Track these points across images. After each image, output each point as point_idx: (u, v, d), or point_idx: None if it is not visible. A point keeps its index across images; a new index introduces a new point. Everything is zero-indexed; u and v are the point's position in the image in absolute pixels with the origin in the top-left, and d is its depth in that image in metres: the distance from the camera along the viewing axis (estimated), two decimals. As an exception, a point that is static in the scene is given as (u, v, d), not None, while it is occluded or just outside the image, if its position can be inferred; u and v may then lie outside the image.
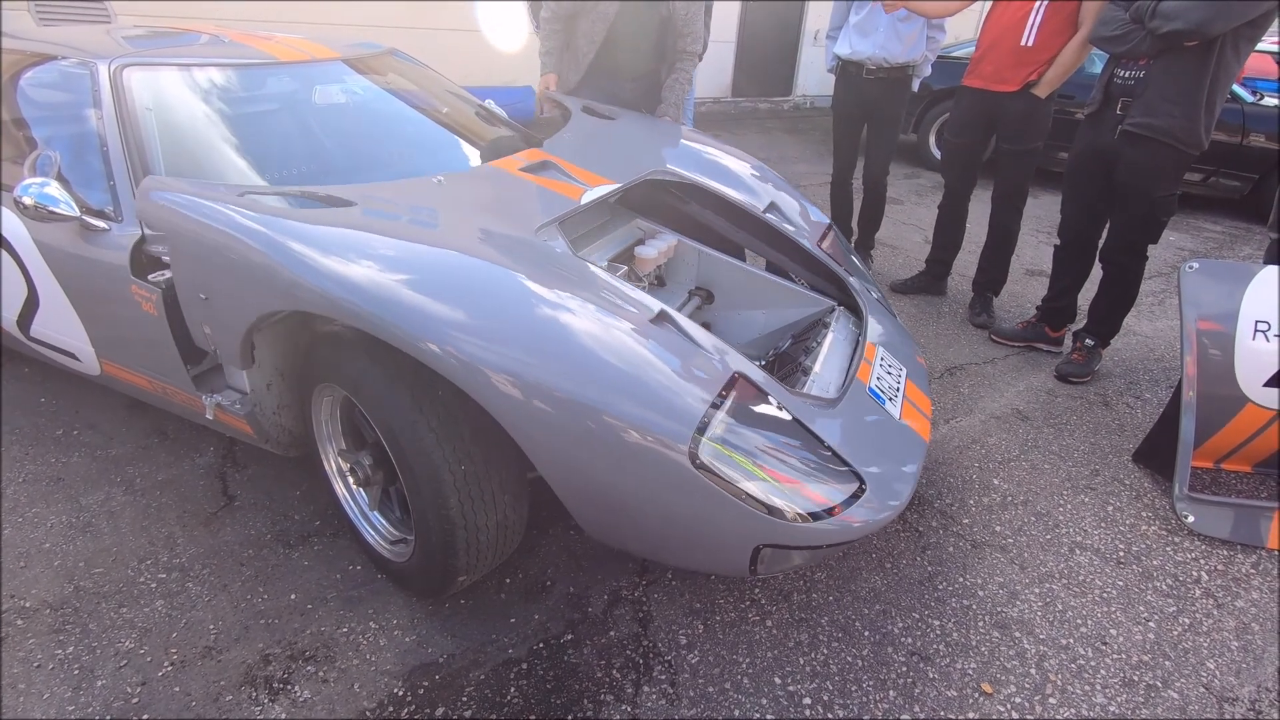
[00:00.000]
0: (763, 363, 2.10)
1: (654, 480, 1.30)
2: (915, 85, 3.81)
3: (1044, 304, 3.18)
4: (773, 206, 2.35)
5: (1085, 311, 3.05)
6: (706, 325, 2.34)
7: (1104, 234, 2.87)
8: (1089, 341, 2.99)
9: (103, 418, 2.26)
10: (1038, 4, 2.92)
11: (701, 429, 1.30)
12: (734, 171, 2.47)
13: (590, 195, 1.98)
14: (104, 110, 1.77)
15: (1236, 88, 5.62)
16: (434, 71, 2.80)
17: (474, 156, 2.34)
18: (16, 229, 1.81)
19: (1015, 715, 1.54)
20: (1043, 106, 3.07)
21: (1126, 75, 2.60)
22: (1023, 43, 2.98)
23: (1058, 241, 3.03)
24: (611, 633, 1.66)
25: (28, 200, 1.59)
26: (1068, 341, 3.15)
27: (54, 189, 1.61)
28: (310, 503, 1.98)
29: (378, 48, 2.60)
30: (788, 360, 2.02)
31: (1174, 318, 3.71)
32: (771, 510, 1.31)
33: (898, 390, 1.79)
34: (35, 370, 2.46)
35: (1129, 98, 2.58)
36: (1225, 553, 2.06)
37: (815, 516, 1.34)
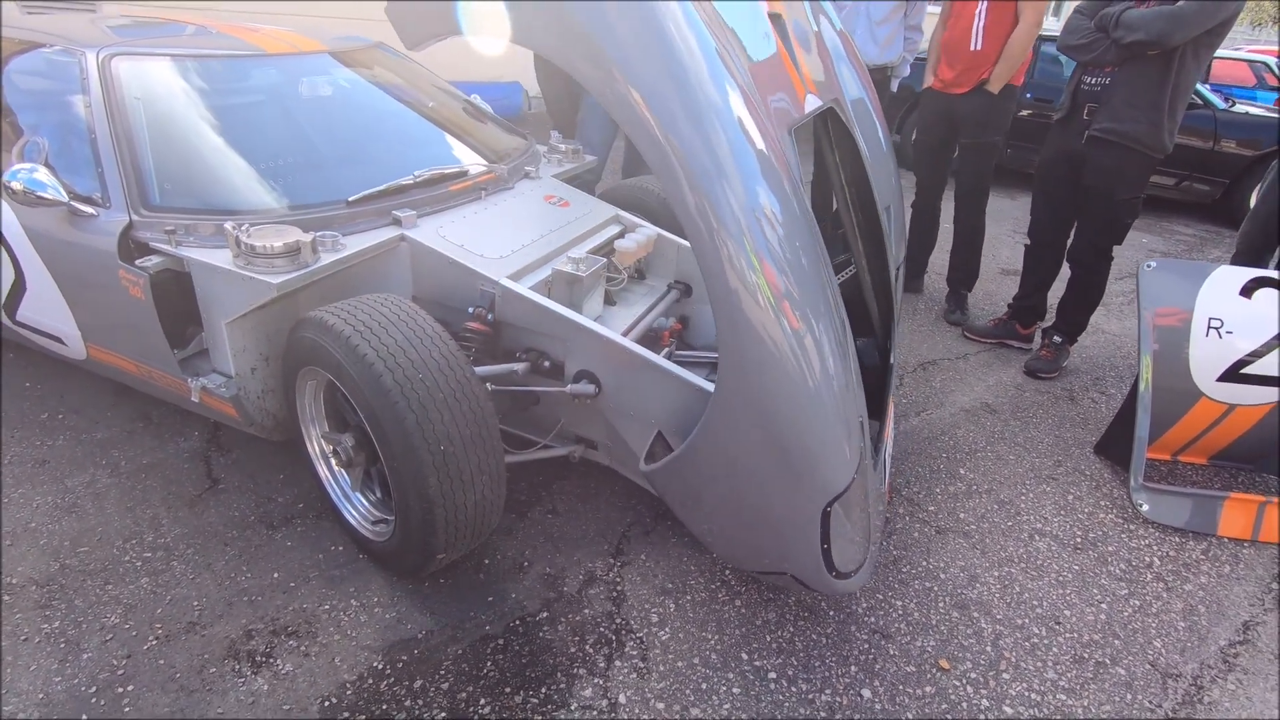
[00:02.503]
0: None
1: (783, 499, 1.40)
2: (894, 86, 3.89)
3: (1015, 302, 3.27)
4: (888, 210, 2.19)
5: (1055, 310, 3.14)
6: (685, 318, 2.41)
7: (1072, 235, 2.97)
8: (1057, 339, 3.08)
9: (87, 402, 2.29)
10: (979, 7, 3.05)
11: (846, 486, 1.37)
12: (883, 152, 2.27)
13: (809, 106, 1.74)
14: (92, 99, 1.81)
15: (1208, 94, 5.76)
16: (420, 66, 2.84)
17: (465, 155, 2.32)
18: (4, 214, 1.84)
19: (970, 689, 1.62)
20: (998, 102, 3.17)
21: (1093, 82, 2.69)
22: (972, 47, 3.11)
23: (1028, 242, 3.12)
24: (586, 611, 1.72)
25: (16, 185, 1.62)
26: (1038, 339, 3.24)
27: (42, 174, 1.65)
28: (293, 486, 2.02)
29: (365, 41, 2.63)
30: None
31: (1142, 317, 3.82)
32: (835, 571, 1.45)
33: (889, 459, 1.88)
34: (20, 355, 2.48)
35: (1095, 104, 2.68)
36: (1177, 539, 2.15)
37: (840, 575, 1.47)
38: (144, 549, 1.77)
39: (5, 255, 1.88)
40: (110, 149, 1.75)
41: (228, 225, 1.63)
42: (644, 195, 2.71)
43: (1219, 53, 9.13)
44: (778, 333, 1.26)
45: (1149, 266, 2.33)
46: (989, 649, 1.72)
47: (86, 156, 1.80)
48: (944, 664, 1.68)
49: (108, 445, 2.11)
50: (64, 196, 1.66)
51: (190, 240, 1.70)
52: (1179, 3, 2.37)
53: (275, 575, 1.73)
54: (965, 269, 3.55)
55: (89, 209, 1.71)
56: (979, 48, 3.08)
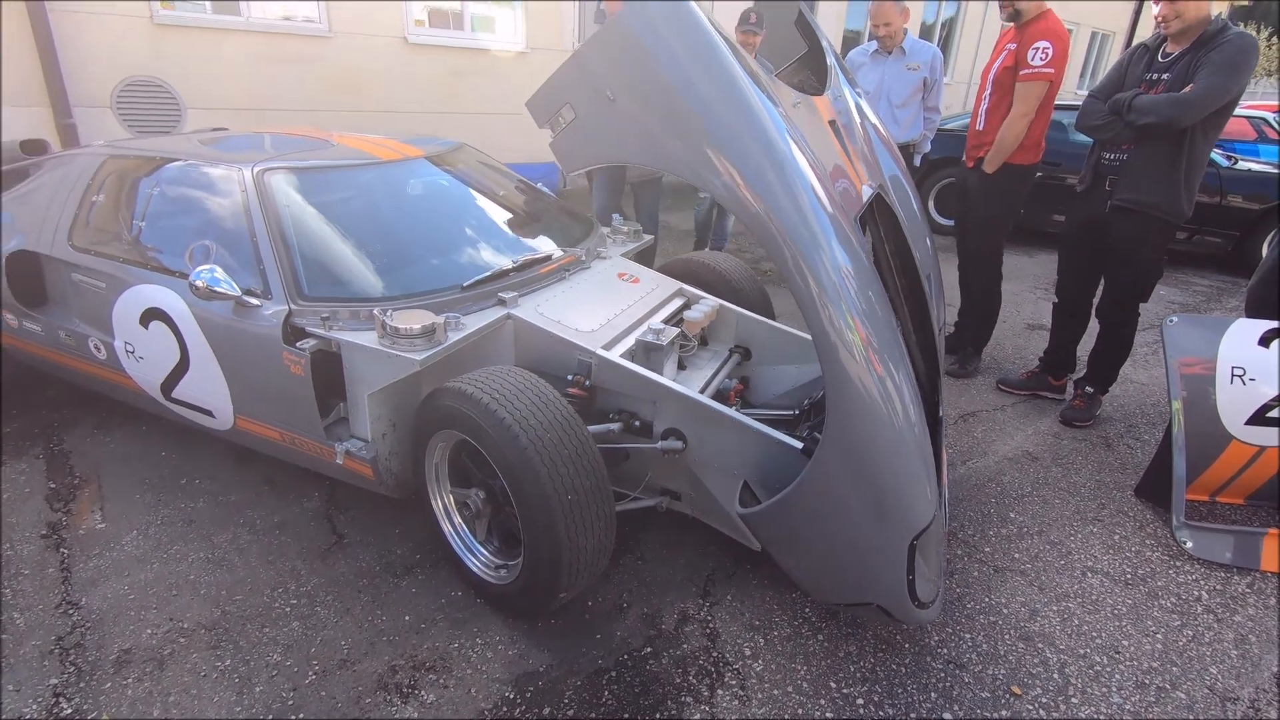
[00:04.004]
0: (796, 411, 2.41)
1: (874, 535, 1.62)
2: (917, 160, 4.24)
3: (1045, 356, 3.49)
4: (929, 278, 2.37)
5: (1085, 362, 3.35)
6: (745, 379, 2.65)
7: (1098, 293, 3.20)
8: (1089, 389, 3.28)
9: (216, 468, 2.56)
10: (985, 93, 3.38)
11: (930, 521, 1.61)
12: (920, 224, 2.50)
13: (865, 196, 1.98)
14: (251, 207, 2.14)
15: (1212, 154, 6.06)
16: (494, 160, 3.21)
17: (547, 246, 2.59)
18: (177, 306, 2.15)
19: (1043, 713, 1.77)
20: (994, 180, 3.39)
21: (1112, 157, 2.98)
22: (977, 126, 3.44)
23: (1055, 300, 3.37)
24: (685, 646, 1.91)
25: (200, 283, 1.93)
26: (1070, 389, 3.44)
27: (219, 273, 1.96)
28: (408, 539, 2.25)
29: (452, 144, 3.00)
30: (823, 407, 2.31)
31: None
32: (918, 600, 1.66)
33: (946, 504, 2.15)
34: (152, 427, 2.77)
35: (1115, 176, 2.95)
36: (1222, 575, 2.30)
37: (921, 605, 1.70)
38: (289, 596, 1.99)
39: (175, 341, 2.18)
40: (269, 249, 2.07)
41: (375, 311, 1.92)
42: (700, 269, 3.00)
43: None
44: (869, 380, 1.51)
45: (1171, 321, 2.56)
46: (1056, 676, 1.88)
47: (244, 255, 2.12)
48: (1016, 690, 1.83)
49: (241, 506, 2.36)
50: (236, 291, 1.97)
51: (338, 324, 1.99)
52: (1185, 89, 2.67)
53: (407, 618, 1.94)
54: (971, 331, 3.77)
55: (254, 301, 2.01)
56: (980, 128, 3.41)
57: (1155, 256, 2.95)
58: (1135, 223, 2.89)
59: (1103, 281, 3.16)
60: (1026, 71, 3.18)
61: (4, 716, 1.62)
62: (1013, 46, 3.26)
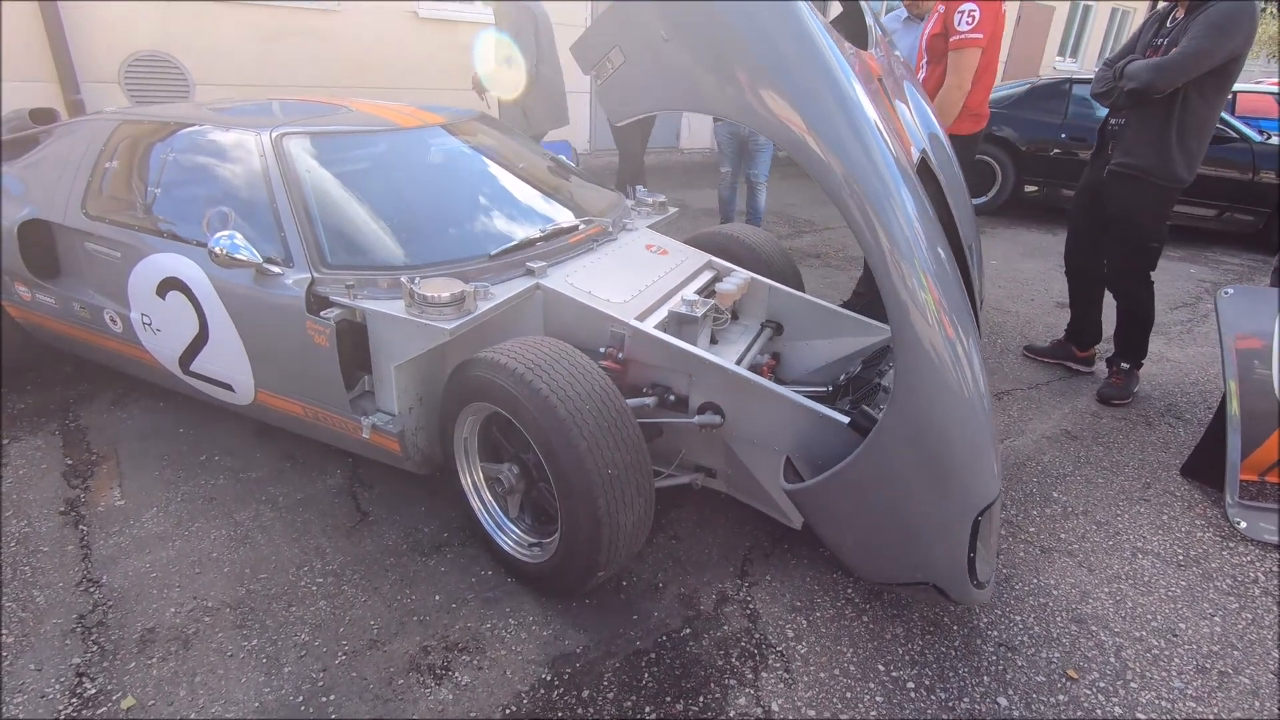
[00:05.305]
0: (830, 388, 2.32)
1: (936, 509, 1.54)
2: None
3: (1069, 326, 3.44)
4: (970, 247, 2.26)
5: (1114, 340, 3.26)
6: (777, 355, 2.57)
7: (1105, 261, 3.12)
8: (1123, 365, 3.19)
9: (237, 445, 2.49)
10: (922, 62, 3.31)
11: (997, 495, 1.53)
12: (962, 189, 2.39)
13: (914, 155, 1.90)
14: (271, 173, 2.05)
15: (1244, 128, 5.90)
16: (514, 130, 3.11)
17: (568, 214, 2.48)
18: (195, 275, 2.07)
19: (1101, 697, 1.70)
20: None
21: (1114, 123, 2.97)
22: None
23: (1064, 267, 3.32)
24: (725, 627, 1.84)
25: (218, 250, 1.85)
26: (1102, 365, 3.36)
27: (239, 239, 1.88)
28: (435, 517, 2.18)
29: (471, 112, 2.90)
30: (862, 382, 2.22)
31: (1203, 345, 3.90)
32: (977, 580, 1.60)
33: None
34: (170, 403, 2.71)
35: (1115, 141, 2.90)
36: (1278, 556, 2.21)
37: (979, 585, 1.64)
38: (315, 575, 1.93)
39: (193, 312, 2.11)
40: (290, 216, 1.99)
41: (403, 279, 1.83)
42: (728, 242, 2.90)
43: (1247, 87, 9.25)
44: (941, 344, 1.42)
45: (1226, 293, 2.45)
46: (1113, 660, 1.80)
47: (267, 222, 2.03)
48: (1072, 674, 1.76)
49: (263, 483, 2.30)
50: (258, 258, 1.89)
51: (363, 293, 1.91)
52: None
53: (436, 598, 1.88)
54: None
55: (276, 269, 1.93)
56: None
57: (1152, 222, 2.89)
58: (1129, 187, 2.85)
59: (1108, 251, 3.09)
60: (956, 38, 3.07)
61: (25, 697, 1.56)
62: (941, 9, 3.16)
